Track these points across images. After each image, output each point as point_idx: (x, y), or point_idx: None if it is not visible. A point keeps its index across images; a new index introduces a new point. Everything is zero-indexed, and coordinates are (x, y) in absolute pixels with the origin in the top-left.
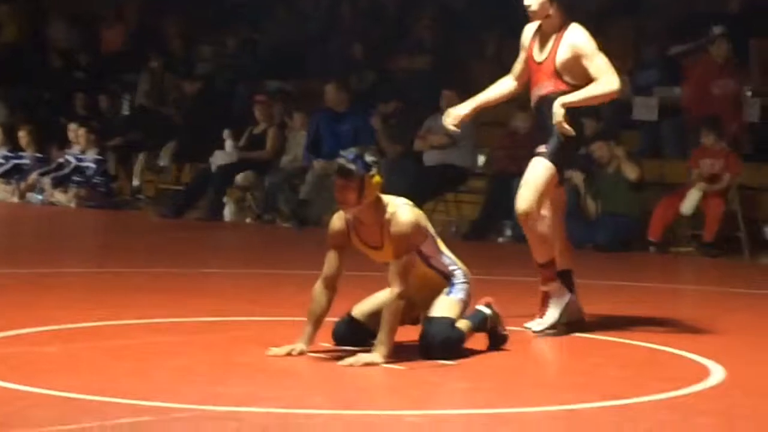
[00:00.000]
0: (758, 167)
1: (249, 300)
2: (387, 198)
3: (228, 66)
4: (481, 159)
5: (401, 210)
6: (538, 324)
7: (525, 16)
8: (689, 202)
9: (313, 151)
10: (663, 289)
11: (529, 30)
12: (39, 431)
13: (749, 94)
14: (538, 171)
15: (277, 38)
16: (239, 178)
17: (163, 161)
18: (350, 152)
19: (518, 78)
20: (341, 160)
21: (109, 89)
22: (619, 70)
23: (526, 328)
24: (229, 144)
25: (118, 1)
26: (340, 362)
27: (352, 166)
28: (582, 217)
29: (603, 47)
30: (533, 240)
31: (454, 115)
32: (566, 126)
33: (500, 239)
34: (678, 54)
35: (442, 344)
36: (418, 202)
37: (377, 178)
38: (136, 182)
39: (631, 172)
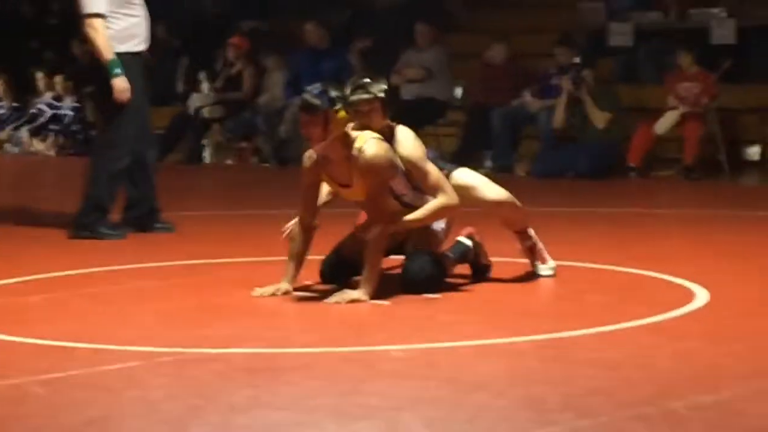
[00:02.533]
0: (737, 88)
1: (231, 241)
2: (356, 133)
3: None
4: (459, 91)
5: (369, 144)
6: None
7: None
8: (663, 123)
9: (293, 89)
10: (644, 213)
11: None
12: (26, 380)
13: (724, 15)
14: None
15: None
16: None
17: None
18: (315, 87)
19: None
20: (305, 95)
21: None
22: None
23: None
24: (205, 86)
25: None
26: (326, 300)
27: (316, 101)
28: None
29: None
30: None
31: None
32: None
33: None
34: None
35: (425, 281)
36: None
37: (342, 113)
38: None
39: (599, 121)
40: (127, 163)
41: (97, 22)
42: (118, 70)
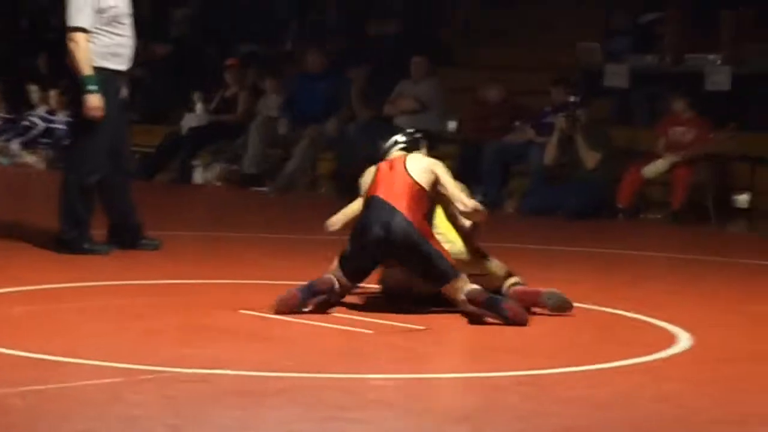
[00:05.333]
0: (729, 136)
1: (216, 262)
2: None
3: (199, 29)
4: (452, 124)
5: None
6: None
7: None
8: (652, 168)
9: (286, 113)
10: (631, 255)
11: None
12: (6, 391)
13: (719, 62)
14: None
15: (250, 1)
16: None
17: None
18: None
19: None
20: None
21: None
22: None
23: None
24: (199, 107)
25: None
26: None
27: None
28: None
29: (577, 13)
30: None
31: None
32: None
33: None
34: (649, 22)
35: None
36: None
37: None
38: None
39: (589, 162)
40: (98, 178)
41: (79, 36)
42: (93, 87)
